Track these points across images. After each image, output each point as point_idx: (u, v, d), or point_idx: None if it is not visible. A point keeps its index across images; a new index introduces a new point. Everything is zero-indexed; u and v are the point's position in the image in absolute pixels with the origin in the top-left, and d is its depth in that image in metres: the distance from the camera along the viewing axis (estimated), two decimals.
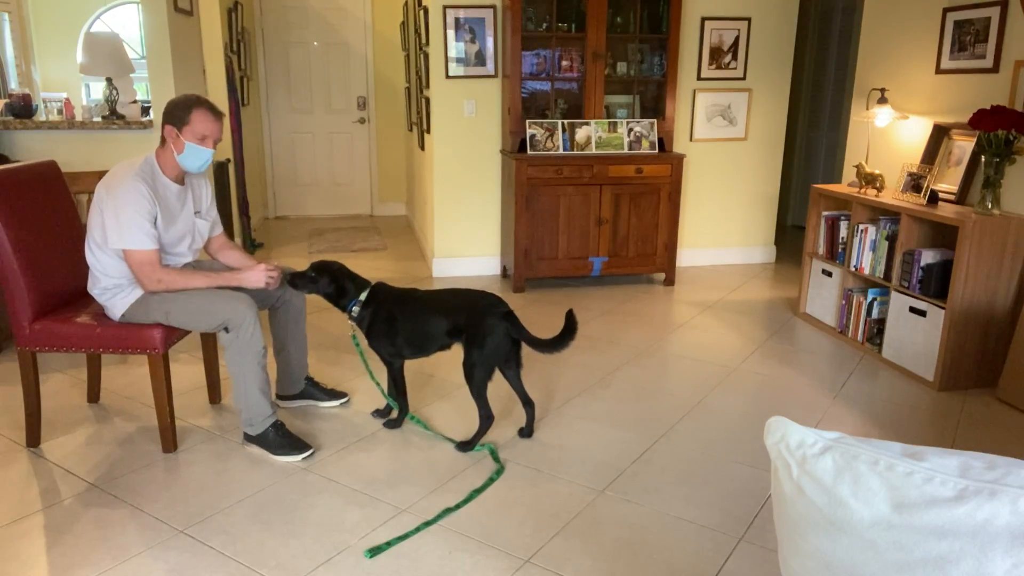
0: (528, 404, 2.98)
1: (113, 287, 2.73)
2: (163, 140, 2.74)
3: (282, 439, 2.79)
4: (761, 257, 5.91)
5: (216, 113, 2.72)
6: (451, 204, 5.34)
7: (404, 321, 2.89)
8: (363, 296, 2.90)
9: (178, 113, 2.69)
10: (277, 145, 7.64)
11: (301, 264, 5.69)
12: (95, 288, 2.76)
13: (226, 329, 2.69)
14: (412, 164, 6.99)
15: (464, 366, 2.81)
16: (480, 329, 2.78)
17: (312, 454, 2.81)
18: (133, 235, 2.61)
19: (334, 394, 3.26)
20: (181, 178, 2.82)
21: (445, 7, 4.99)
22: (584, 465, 2.77)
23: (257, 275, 2.81)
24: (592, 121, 4.96)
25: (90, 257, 2.74)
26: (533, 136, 4.87)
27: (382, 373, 3.20)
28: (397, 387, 3.03)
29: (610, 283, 5.29)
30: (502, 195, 5.32)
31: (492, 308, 2.81)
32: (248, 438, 2.82)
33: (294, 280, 2.90)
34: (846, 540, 0.96)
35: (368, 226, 7.37)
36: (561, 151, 4.90)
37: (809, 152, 7.21)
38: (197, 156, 2.72)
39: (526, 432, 2.98)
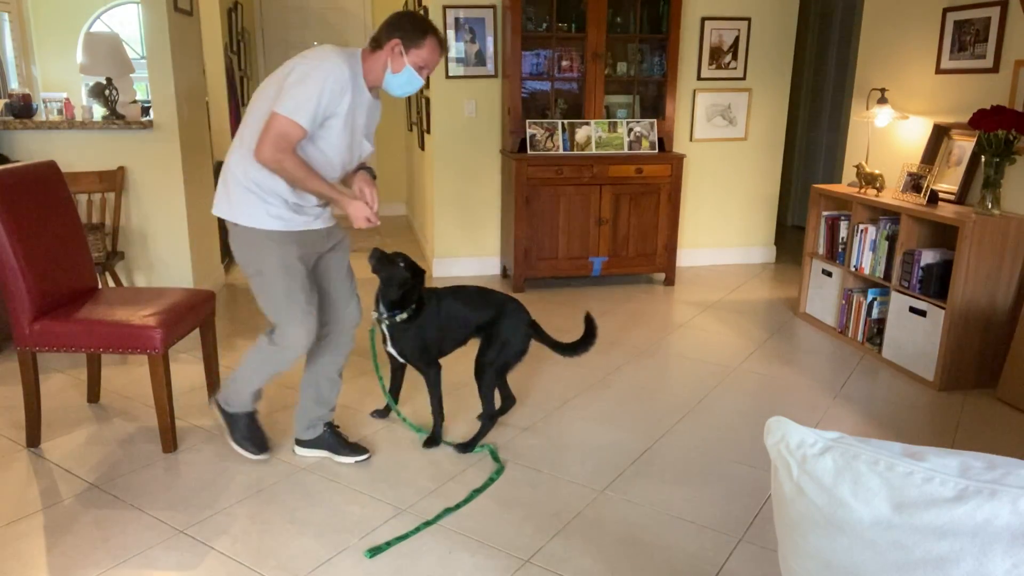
0: (510, 399, 3.06)
1: (252, 186, 2.42)
2: (373, 48, 2.42)
3: (248, 431, 2.73)
4: (761, 257, 5.91)
5: (444, 47, 2.47)
6: (451, 204, 5.34)
7: (436, 329, 2.83)
8: (407, 313, 2.74)
9: (412, 31, 2.39)
10: None
11: None
12: (228, 191, 2.45)
13: (272, 333, 2.53)
14: (412, 164, 6.99)
15: (482, 363, 2.83)
16: (508, 331, 2.84)
17: (267, 459, 2.77)
18: (299, 105, 2.27)
19: (356, 449, 2.81)
20: (375, 91, 2.52)
21: (445, 7, 4.99)
22: (584, 465, 2.77)
23: (358, 213, 2.47)
24: (592, 121, 4.96)
25: (236, 148, 2.44)
26: (533, 136, 4.87)
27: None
28: (438, 400, 2.87)
29: (610, 283, 5.29)
30: (502, 195, 5.32)
31: (519, 313, 2.89)
32: (218, 407, 2.74)
33: (380, 254, 2.69)
34: (846, 540, 0.96)
35: (368, 226, 7.35)
36: (561, 151, 4.90)
37: (809, 152, 7.21)
38: (409, 83, 2.43)
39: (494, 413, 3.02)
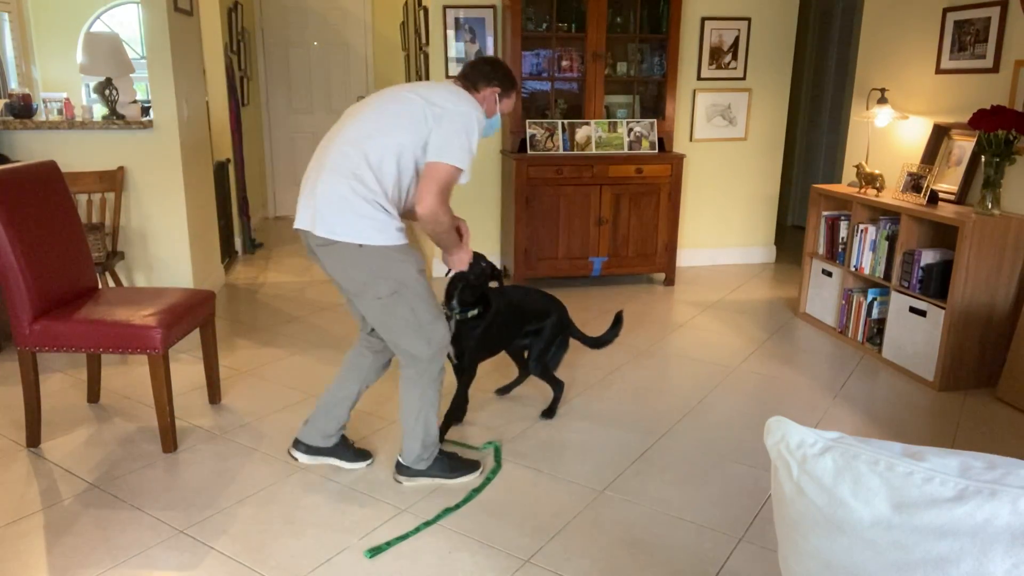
0: (525, 374, 3.28)
1: (374, 202, 2.30)
2: (468, 88, 2.48)
3: (452, 462, 2.62)
4: (761, 257, 5.91)
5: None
6: (450, 204, 5.33)
7: (498, 327, 2.90)
8: (477, 310, 2.79)
9: (506, 81, 2.51)
10: (277, 145, 7.64)
11: (299, 264, 5.69)
12: (348, 204, 2.27)
13: (409, 353, 2.44)
14: None
15: (543, 360, 3.09)
16: (562, 328, 3.12)
17: (490, 470, 2.71)
18: (464, 156, 2.32)
19: (361, 454, 2.76)
20: None
21: (445, 7, 4.99)
22: (584, 465, 2.77)
23: (466, 257, 2.57)
24: (592, 121, 4.96)
25: (358, 165, 2.28)
26: (533, 136, 4.87)
27: None
28: (463, 398, 2.96)
29: (610, 283, 5.29)
30: (502, 195, 5.32)
31: (565, 311, 3.14)
32: (410, 472, 2.59)
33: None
34: (846, 540, 0.96)
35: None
36: (561, 151, 4.90)
37: (809, 152, 7.21)
38: (492, 126, 2.56)
39: (505, 390, 3.34)
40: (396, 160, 2.32)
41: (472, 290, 2.75)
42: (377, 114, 2.37)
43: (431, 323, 2.43)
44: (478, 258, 2.72)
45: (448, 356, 2.76)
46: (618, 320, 3.21)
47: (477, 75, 2.51)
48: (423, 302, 2.40)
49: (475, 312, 2.77)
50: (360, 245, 2.29)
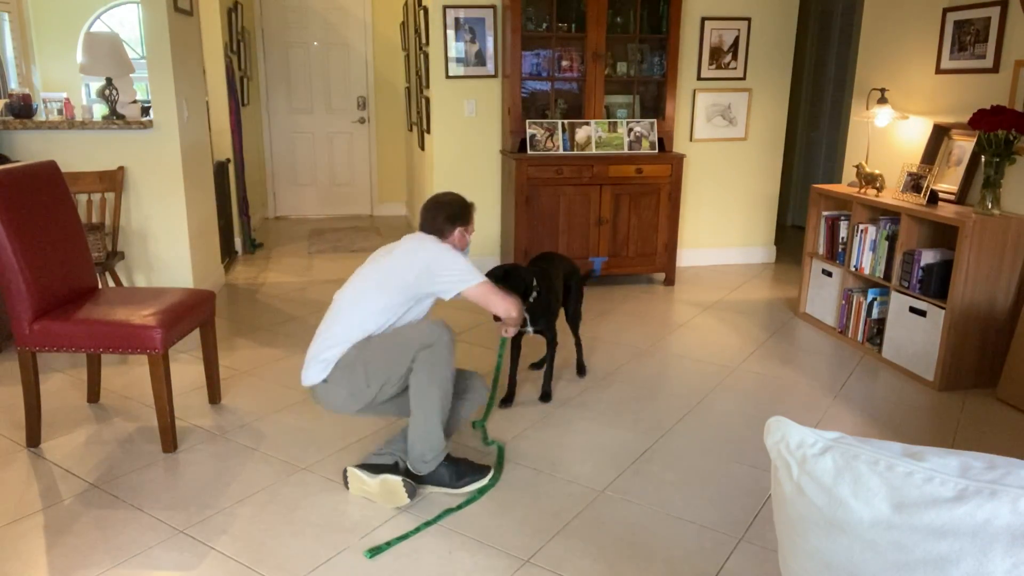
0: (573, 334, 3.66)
1: (342, 345, 2.49)
2: (439, 236, 2.64)
3: (459, 468, 2.55)
4: (761, 257, 5.91)
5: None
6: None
7: (554, 292, 3.26)
8: (536, 291, 3.12)
9: (465, 215, 2.70)
10: (277, 145, 7.64)
11: (299, 264, 5.69)
12: (334, 349, 2.47)
13: (421, 351, 2.46)
14: (412, 164, 6.99)
15: (577, 309, 3.53)
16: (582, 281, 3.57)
17: (492, 475, 2.64)
18: (471, 272, 2.51)
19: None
20: None
21: (445, 7, 4.99)
22: (584, 465, 2.77)
23: (516, 322, 2.73)
24: (592, 121, 4.96)
25: (354, 313, 2.50)
26: (533, 136, 4.87)
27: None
28: (552, 361, 3.37)
29: (610, 283, 5.29)
30: (502, 195, 5.32)
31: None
32: (415, 479, 2.52)
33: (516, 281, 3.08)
34: (846, 540, 0.96)
35: (368, 226, 7.37)
36: (561, 151, 4.90)
37: (809, 152, 7.21)
38: (467, 252, 2.75)
39: (539, 365, 3.66)
40: (392, 310, 2.52)
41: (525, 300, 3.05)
42: (370, 282, 2.56)
43: (417, 334, 2.46)
44: (514, 274, 3.04)
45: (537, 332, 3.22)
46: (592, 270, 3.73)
47: (443, 223, 2.65)
48: (383, 347, 2.48)
49: (535, 294, 3.09)
50: (368, 337, 2.48)
